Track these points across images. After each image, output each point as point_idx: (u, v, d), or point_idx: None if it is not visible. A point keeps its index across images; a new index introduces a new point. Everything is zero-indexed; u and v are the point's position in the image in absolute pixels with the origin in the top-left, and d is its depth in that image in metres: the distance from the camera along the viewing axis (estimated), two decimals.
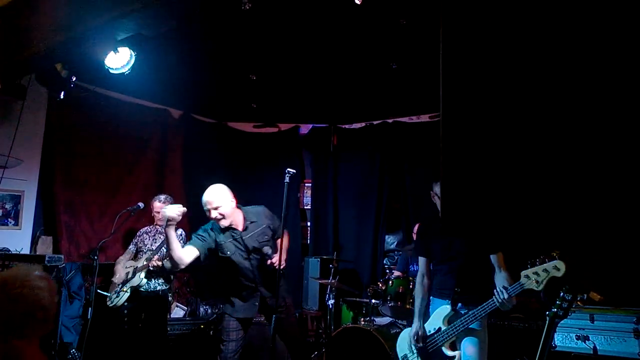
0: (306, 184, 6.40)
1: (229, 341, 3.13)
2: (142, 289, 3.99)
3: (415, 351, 2.96)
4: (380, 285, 4.12)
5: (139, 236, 4.26)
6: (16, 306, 1.52)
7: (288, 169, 3.07)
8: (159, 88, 4.92)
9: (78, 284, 4.22)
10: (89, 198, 4.70)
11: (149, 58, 3.70)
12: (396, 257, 5.28)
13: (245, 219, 3.21)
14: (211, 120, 6.08)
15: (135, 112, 5.15)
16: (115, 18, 2.77)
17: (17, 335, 1.52)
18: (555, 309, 2.10)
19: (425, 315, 2.99)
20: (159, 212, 4.15)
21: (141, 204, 4.16)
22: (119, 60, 3.18)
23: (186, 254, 2.99)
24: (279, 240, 3.16)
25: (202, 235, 3.13)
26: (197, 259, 3.05)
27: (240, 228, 3.18)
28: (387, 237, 5.60)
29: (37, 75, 3.73)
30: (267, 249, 3.16)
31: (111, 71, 3.26)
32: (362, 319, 4.07)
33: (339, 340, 3.89)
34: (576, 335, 2.75)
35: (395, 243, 5.45)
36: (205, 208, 3.10)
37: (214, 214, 3.08)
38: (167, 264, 3.95)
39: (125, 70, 3.25)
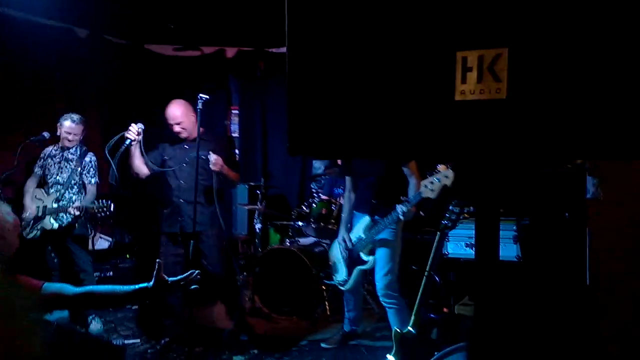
0: (233, 111, 6.24)
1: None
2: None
3: (341, 258, 3.28)
4: (304, 207, 4.28)
5: (44, 158, 3.94)
6: None
7: (200, 95, 3.05)
8: (59, 4, 4.38)
9: None
10: None
11: None
12: (323, 182, 5.45)
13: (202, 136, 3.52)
14: (124, 42, 5.59)
15: (32, 31, 4.58)
16: None
17: None
18: (445, 221, 2.33)
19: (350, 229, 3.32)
20: (69, 134, 3.82)
21: (46, 134, 3.86)
22: None
23: (143, 166, 3.40)
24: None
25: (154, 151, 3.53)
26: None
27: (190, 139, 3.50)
28: (314, 162, 5.72)
29: None
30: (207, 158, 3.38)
31: None
32: (288, 240, 4.26)
33: (266, 261, 4.07)
34: (465, 244, 3.10)
35: (323, 168, 5.59)
36: (168, 122, 3.46)
37: (176, 128, 3.45)
38: (88, 204, 3.76)
39: None
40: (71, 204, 3.71)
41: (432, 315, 3.31)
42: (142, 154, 3.32)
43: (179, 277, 1.80)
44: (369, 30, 0.79)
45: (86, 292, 1.77)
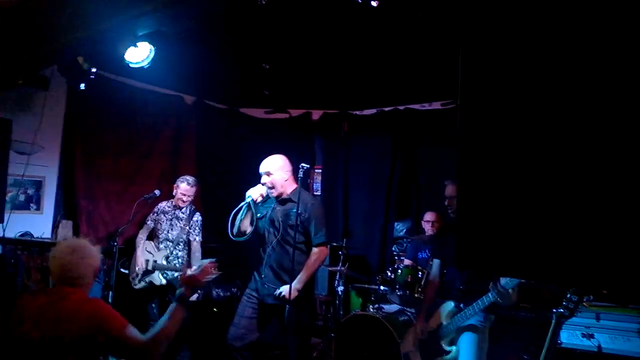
0: (316, 170, 6.47)
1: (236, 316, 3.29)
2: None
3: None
4: (389, 273, 4.24)
5: (157, 213, 4.30)
6: (79, 266, 1.92)
7: (302, 164, 3.16)
8: (172, 75, 4.97)
9: None
10: (107, 184, 4.83)
11: (165, 48, 3.75)
12: (405, 245, 5.38)
13: (291, 196, 3.31)
14: (223, 106, 6.14)
15: (150, 98, 5.22)
16: (136, 16, 2.83)
17: (69, 285, 1.90)
18: (562, 309, 2.18)
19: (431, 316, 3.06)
20: (184, 195, 4.20)
21: (157, 192, 4.26)
22: (139, 54, 3.24)
23: (248, 225, 3.32)
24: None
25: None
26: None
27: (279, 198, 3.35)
28: (396, 224, 5.69)
29: (59, 67, 3.82)
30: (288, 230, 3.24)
31: (131, 65, 3.33)
32: (371, 305, 4.20)
33: (348, 326, 4.03)
34: (582, 333, 2.81)
35: (405, 230, 5.54)
36: (260, 172, 3.36)
37: (264, 179, 3.32)
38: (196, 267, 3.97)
39: (145, 64, 3.31)
40: (178, 260, 4.00)
41: None
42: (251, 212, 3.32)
43: (196, 267, 2.05)
44: (551, 178, 0.84)
45: (161, 330, 1.91)
